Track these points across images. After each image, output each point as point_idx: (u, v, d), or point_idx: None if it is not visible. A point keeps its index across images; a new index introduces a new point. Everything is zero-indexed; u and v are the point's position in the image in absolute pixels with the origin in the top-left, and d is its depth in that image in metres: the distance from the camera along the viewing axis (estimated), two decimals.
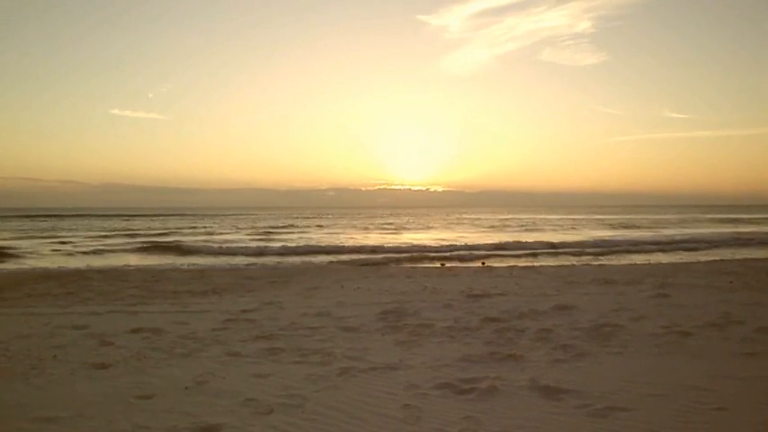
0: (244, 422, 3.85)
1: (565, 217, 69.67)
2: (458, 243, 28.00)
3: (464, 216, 77.29)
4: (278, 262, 19.88)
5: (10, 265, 18.51)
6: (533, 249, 24.06)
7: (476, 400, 4.23)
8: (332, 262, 19.74)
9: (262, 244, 27.65)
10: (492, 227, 47.66)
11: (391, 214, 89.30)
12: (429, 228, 48.84)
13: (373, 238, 33.36)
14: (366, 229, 46.62)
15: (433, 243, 28.05)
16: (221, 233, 38.96)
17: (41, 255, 22.85)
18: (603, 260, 19.51)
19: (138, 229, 42.60)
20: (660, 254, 22.26)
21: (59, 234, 37.08)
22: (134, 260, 21.02)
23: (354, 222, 58.47)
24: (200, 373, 4.98)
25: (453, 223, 56.38)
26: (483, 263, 18.42)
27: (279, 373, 5.00)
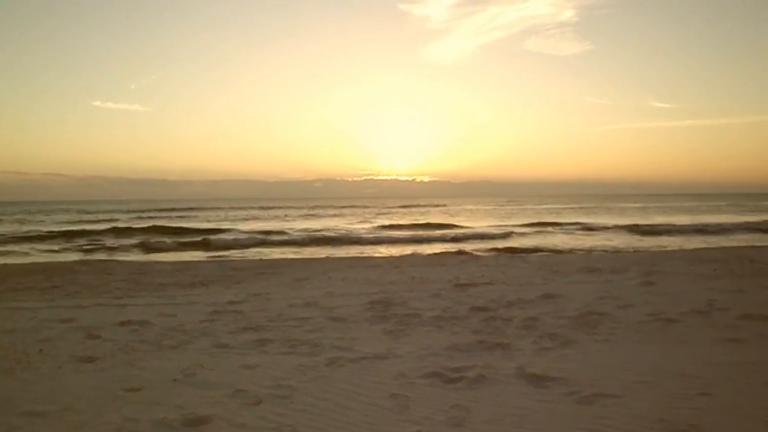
0: (233, 413, 3.85)
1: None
2: None
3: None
4: None
5: None
6: None
7: (464, 389, 4.26)
8: None
9: None
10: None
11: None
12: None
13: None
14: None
15: None
16: None
17: None
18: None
19: None
20: None
21: None
22: None
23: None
24: (188, 365, 4.97)
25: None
26: None
27: (267, 364, 5.00)
